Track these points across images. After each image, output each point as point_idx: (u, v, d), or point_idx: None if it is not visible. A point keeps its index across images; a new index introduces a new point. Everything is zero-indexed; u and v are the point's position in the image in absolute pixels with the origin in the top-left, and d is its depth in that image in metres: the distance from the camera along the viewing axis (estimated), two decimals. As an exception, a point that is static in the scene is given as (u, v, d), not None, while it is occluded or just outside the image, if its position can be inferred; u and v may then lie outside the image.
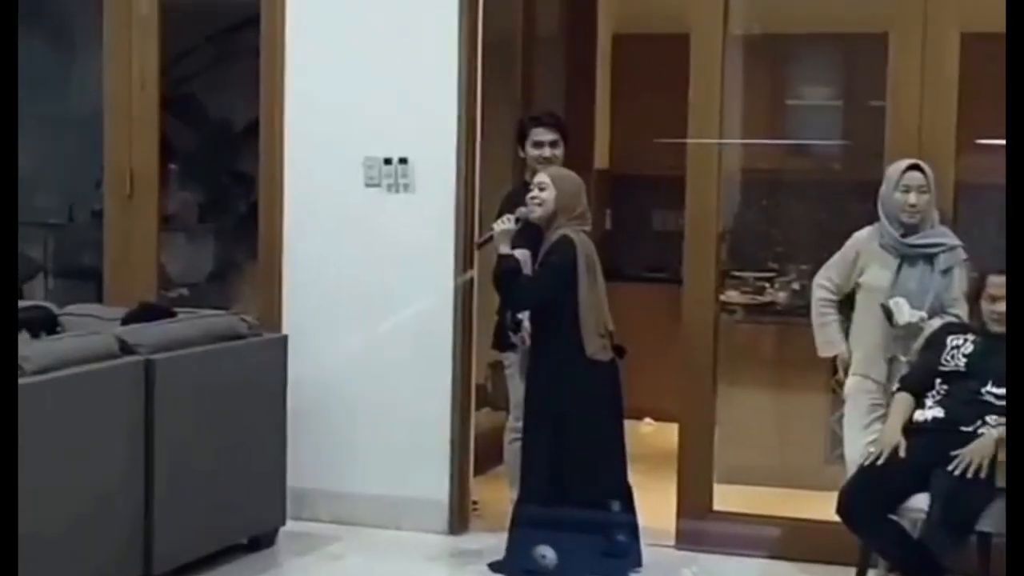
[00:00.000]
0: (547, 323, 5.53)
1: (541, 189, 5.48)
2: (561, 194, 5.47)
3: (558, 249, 5.43)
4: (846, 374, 5.57)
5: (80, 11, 7.89)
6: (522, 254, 5.50)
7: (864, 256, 5.53)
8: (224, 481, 5.66)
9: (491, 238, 5.56)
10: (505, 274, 5.50)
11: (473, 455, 6.47)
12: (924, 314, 5.35)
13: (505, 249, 5.49)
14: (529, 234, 5.55)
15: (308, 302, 6.43)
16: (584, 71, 8.19)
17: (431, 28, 6.23)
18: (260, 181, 6.62)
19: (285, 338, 6.12)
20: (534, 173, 5.87)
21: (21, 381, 4.66)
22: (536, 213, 5.48)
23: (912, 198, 5.40)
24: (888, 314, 5.35)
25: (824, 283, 5.63)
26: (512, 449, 6.06)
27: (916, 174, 5.42)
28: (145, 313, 5.82)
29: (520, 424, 5.96)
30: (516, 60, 7.70)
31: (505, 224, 5.51)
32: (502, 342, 6.08)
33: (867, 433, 5.45)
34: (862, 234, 5.60)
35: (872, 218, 5.57)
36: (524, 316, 5.68)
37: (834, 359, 5.67)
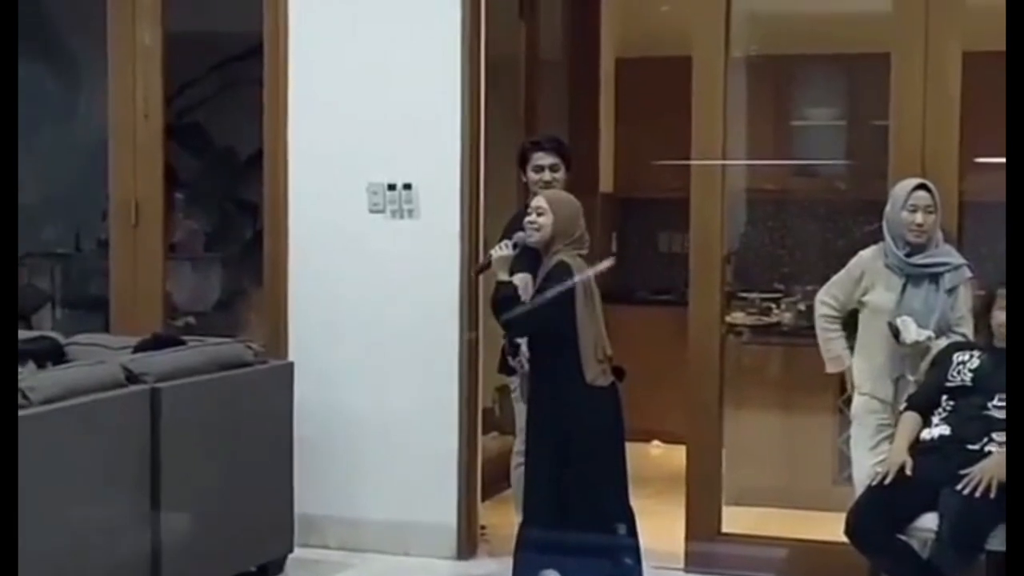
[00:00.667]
0: (546, 349, 5.49)
1: (539, 214, 5.44)
2: (558, 218, 5.43)
3: (555, 275, 5.37)
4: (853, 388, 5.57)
5: (84, 42, 7.92)
6: (522, 279, 5.48)
7: (869, 276, 5.52)
8: (232, 509, 5.65)
9: (489, 264, 5.55)
10: (503, 301, 5.47)
11: (481, 479, 6.47)
12: (931, 333, 5.34)
13: (503, 276, 5.45)
14: (528, 258, 5.54)
15: (314, 329, 6.44)
16: (587, 94, 8.21)
17: (434, 53, 6.25)
18: (264, 209, 6.63)
19: (291, 365, 6.12)
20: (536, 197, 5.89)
21: (28, 412, 4.68)
22: (533, 238, 5.44)
23: (919, 218, 5.39)
24: (895, 332, 5.34)
25: (827, 300, 5.62)
26: (518, 473, 6.03)
27: (923, 194, 5.41)
28: (156, 343, 5.83)
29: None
30: (519, 84, 7.71)
31: (503, 251, 5.48)
32: (508, 366, 6.07)
33: (874, 453, 5.43)
34: (867, 253, 5.59)
35: (878, 237, 5.57)
36: (522, 341, 5.67)
37: (842, 377, 5.67)
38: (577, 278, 5.31)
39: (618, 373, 5.55)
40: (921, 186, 5.43)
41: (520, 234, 5.49)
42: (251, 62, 6.82)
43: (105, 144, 6.93)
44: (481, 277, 6.25)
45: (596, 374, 5.39)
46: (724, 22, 6.07)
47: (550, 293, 5.37)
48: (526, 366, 5.64)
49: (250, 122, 6.75)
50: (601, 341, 5.45)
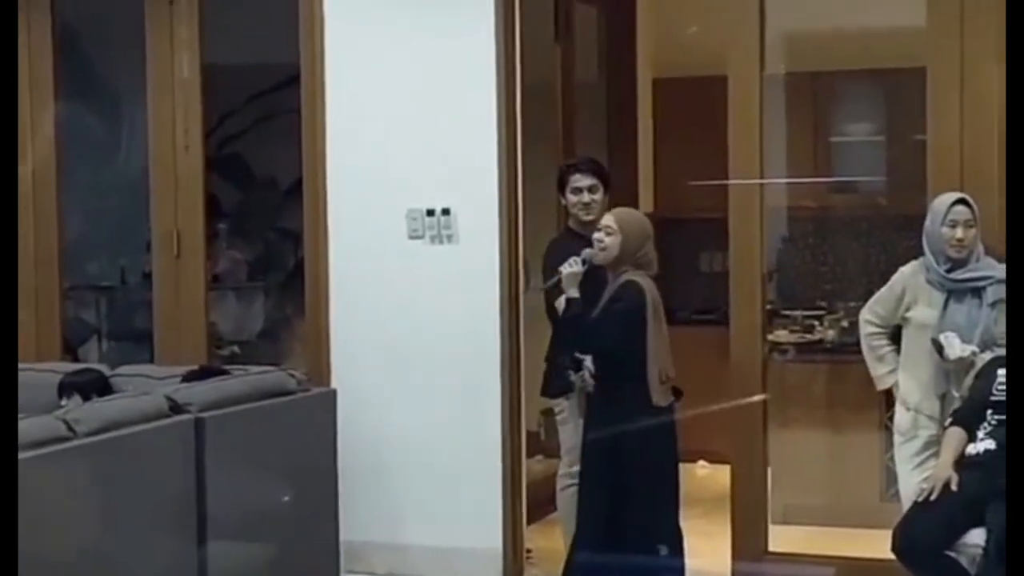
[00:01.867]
0: (612, 370, 5.47)
1: (607, 233, 5.44)
2: (627, 237, 5.42)
3: (625, 295, 5.38)
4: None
5: (124, 76, 8.00)
6: (572, 263, 5.48)
7: (910, 292, 5.49)
8: (277, 536, 5.66)
9: (559, 281, 5.55)
10: (571, 319, 5.49)
11: (526, 503, 6.46)
12: (975, 348, 5.30)
13: (573, 293, 5.47)
14: (595, 276, 5.54)
15: (356, 355, 6.46)
16: (625, 116, 8.22)
17: (470, 78, 6.28)
18: (305, 237, 6.67)
19: (334, 392, 6.14)
20: (577, 220, 5.91)
21: (74, 443, 4.73)
22: (600, 257, 5.45)
23: (959, 232, 5.35)
24: (939, 349, 5.31)
25: (871, 318, 5.60)
26: (565, 496, 6.04)
27: (963, 208, 5.37)
28: (201, 374, 5.87)
29: (573, 470, 5.96)
30: (556, 107, 7.73)
31: (572, 267, 5.49)
32: (551, 389, 6.08)
33: (921, 470, 5.40)
34: (907, 269, 5.56)
35: (919, 252, 5.54)
36: (587, 357, 5.65)
37: (888, 393, 5.64)
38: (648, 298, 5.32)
39: (675, 393, 5.54)
40: (960, 200, 5.39)
41: (589, 251, 5.51)
42: (289, 92, 6.88)
43: (147, 177, 6.99)
44: (522, 298, 6.27)
45: (660, 395, 5.38)
46: (759, 40, 6.07)
47: (619, 312, 5.37)
48: (589, 382, 5.63)
49: (290, 151, 6.80)
50: (666, 363, 5.43)
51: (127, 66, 7.45)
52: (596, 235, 5.47)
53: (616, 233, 5.41)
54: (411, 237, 6.36)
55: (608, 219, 5.48)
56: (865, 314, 5.63)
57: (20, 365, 6.47)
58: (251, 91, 8.33)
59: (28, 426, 4.63)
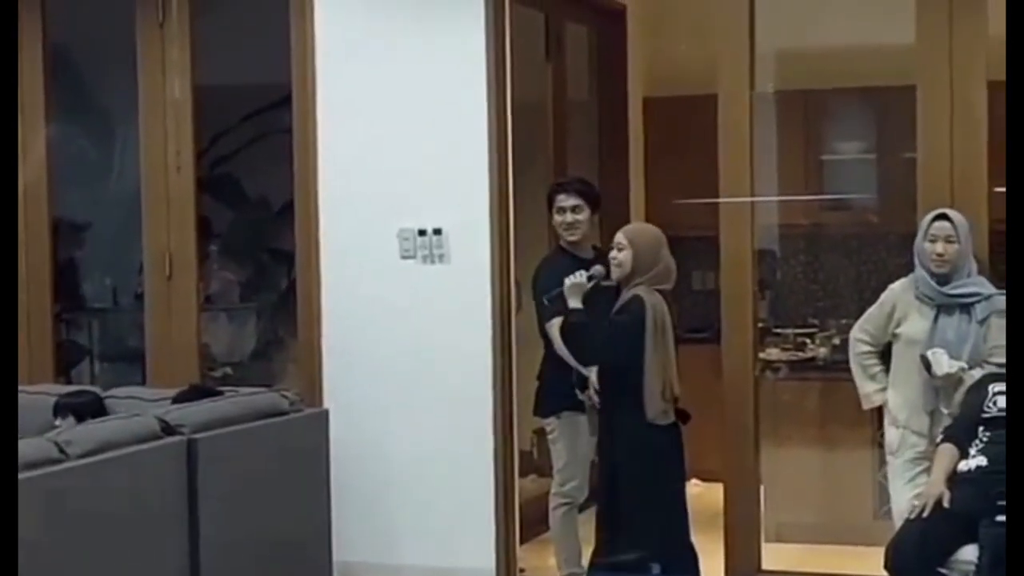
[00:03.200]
0: (611, 383, 5.52)
1: (619, 249, 5.47)
2: (637, 253, 5.44)
3: (628, 309, 5.40)
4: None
5: (116, 97, 8.01)
6: (576, 276, 5.51)
7: (900, 308, 5.50)
8: (270, 557, 5.65)
9: (559, 295, 5.56)
10: (572, 329, 5.51)
11: (519, 522, 6.46)
12: (964, 364, 5.31)
13: (575, 304, 5.49)
14: (606, 292, 5.56)
15: (348, 376, 6.46)
16: (616, 134, 8.22)
17: (461, 98, 6.29)
18: (297, 257, 6.67)
19: (326, 412, 6.14)
20: (563, 239, 5.94)
21: (66, 465, 4.72)
22: (615, 273, 5.49)
23: (939, 247, 5.37)
24: (927, 365, 5.32)
25: (861, 336, 5.61)
26: (557, 515, 6.06)
27: (943, 223, 5.39)
28: (192, 395, 5.86)
29: (565, 489, 6.03)
30: (548, 126, 7.75)
31: (577, 279, 5.52)
32: (543, 408, 6.09)
33: (912, 486, 5.41)
34: (897, 286, 5.58)
35: (910, 269, 5.56)
36: (592, 374, 5.66)
37: (880, 411, 5.65)
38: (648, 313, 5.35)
39: (683, 416, 5.54)
40: (941, 216, 5.41)
41: (598, 267, 5.53)
42: (281, 112, 6.89)
43: (139, 197, 7.00)
44: (514, 317, 6.28)
45: (657, 412, 5.38)
46: (749, 59, 6.10)
47: (619, 325, 5.38)
48: (595, 399, 5.64)
49: (282, 172, 6.81)
50: (669, 380, 5.43)
51: (119, 86, 7.45)
52: (611, 252, 5.50)
53: (627, 248, 5.44)
54: (403, 257, 6.37)
55: (620, 235, 5.52)
56: (856, 332, 5.65)
57: (12, 387, 6.49)
58: (243, 112, 8.34)
59: (20, 448, 4.62)
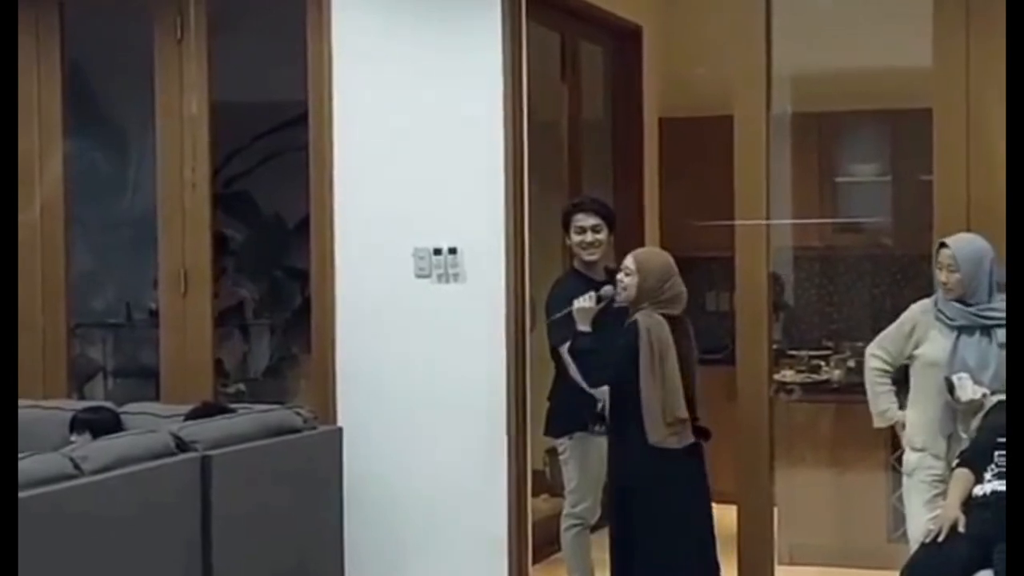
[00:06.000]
0: (616, 406, 5.52)
1: (626, 274, 5.48)
2: (644, 277, 5.44)
3: (625, 333, 5.41)
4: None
5: (132, 113, 8.03)
6: (585, 298, 5.54)
7: (920, 329, 5.47)
8: (282, 573, 5.65)
9: (568, 315, 5.57)
10: (580, 352, 5.53)
11: (532, 542, 6.44)
12: (987, 390, 5.28)
13: (583, 327, 5.50)
14: (616, 314, 5.56)
15: (362, 393, 6.45)
16: (631, 155, 8.23)
17: (477, 118, 6.30)
18: (312, 275, 6.68)
19: (340, 430, 6.14)
20: (580, 260, 5.94)
21: (80, 481, 4.73)
22: (621, 297, 5.49)
23: (943, 276, 5.37)
24: (951, 388, 5.29)
25: (878, 353, 5.57)
26: (568, 536, 6.05)
27: (944, 251, 5.38)
28: (205, 411, 5.87)
29: (577, 510, 6.02)
30: (563, 146, 7.75)
31: (585, 302, 5.52)
32: (554, 428, 6.09)
33: (928, 509, 5.38)
34: (917, 307, 5.54)
35: (925, 292, 5.54)
36: (603, 398, 5.66)
37: (894, 434, 5.62)
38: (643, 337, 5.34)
39: (702, 434, 5.52)
40: (942, 244, 5.40)
41: (607, 288, 5.55)
42: (296, 130, 6.89)
43: (154, 214, 7.01)
44: (529, 337, 6.28)
45: (661, 436, 5.34)
46: (765, 81, 6.10)
47: (616, 349, 5.39)
48: (604, 422, 5.67)
49: (297, 189, 6.82)
50: (671, 403, 5.39)
51: (135, 103, 7.47)
52: (618, 275, 5.50)
53: (634, 274, 5.44)
54: (418, 276, 6.37)
55: (628, 260, 5.52)
56: (872, 349, 5.61)
57: (27, 402, 6.54)
58: (259, 129, 8.35)
59: (35, 463, 4.63)
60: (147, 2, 6.99)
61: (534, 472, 6.63)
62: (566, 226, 6.04)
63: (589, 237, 5.97)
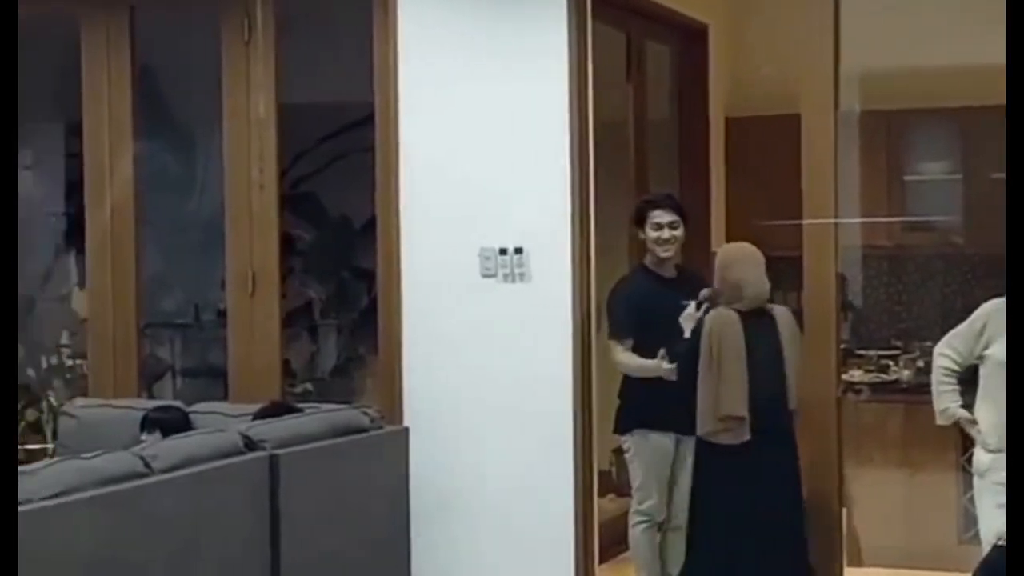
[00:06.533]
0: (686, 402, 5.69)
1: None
2: (716, 273, 5.74)
3: (696, 329, 5.65)
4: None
5: (200, 115, 8.09)
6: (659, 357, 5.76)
7: (991, 328, 5.40)
8: (349, 572, 5.68)
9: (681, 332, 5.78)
10: (675, 356, 5.71)
11: (598, 542, 6.43)
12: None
13: (687, 333, 5.68)
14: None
15: (428, 393, 6.46)
16: (697, 154, 8.20)
17: (543, 117, 6.29)
18: (378, 275, 6.70)
19: (406, 430, 6.16)
20: (654, 256, 5.96)
21: (150, 480, 4.77)
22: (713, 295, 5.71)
23: None
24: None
25: (947, 352, 5.51)
26: (636, 532, 6.05)
27: None
28: (273, 411, 5.91)
29: (644, 507, 6.07)
30: (629, 146, 7.73)
31: (691, 310, 5.72)
32: (620, 425, 6.09)
33: (1002, 511, 5.30)
34: (989, 305, 5.46)
35: (996, 292, 5.48)
36: None
37: (964, 434, 5.56)
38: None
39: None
40: None
41: (705, 291, 5.71)
42: (363, 131, 6.92)
43: (222, 215, 7.06)
44: (595, 338, 6.28)
45: (709, 430, 5.40)
46: (833, 79, 6.06)
47: (681, 346, 5.61)
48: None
49: (363, 190, 6.84)
50: (726, 399, 5.44)
51: (203, 105, 7.52)
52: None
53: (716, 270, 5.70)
54: (484, 276, 6.37)
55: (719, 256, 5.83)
56: (941, 347, 5.55)
57: (99, 401, 6.63)
58: (325, 130, 8.40)
59: (106, 462, 4.68)
60: (215, 5, 7.04)
61: (600, 472, 6.62)
62: (641, 222, 6.04)
63: (666, 233, 5.98)
